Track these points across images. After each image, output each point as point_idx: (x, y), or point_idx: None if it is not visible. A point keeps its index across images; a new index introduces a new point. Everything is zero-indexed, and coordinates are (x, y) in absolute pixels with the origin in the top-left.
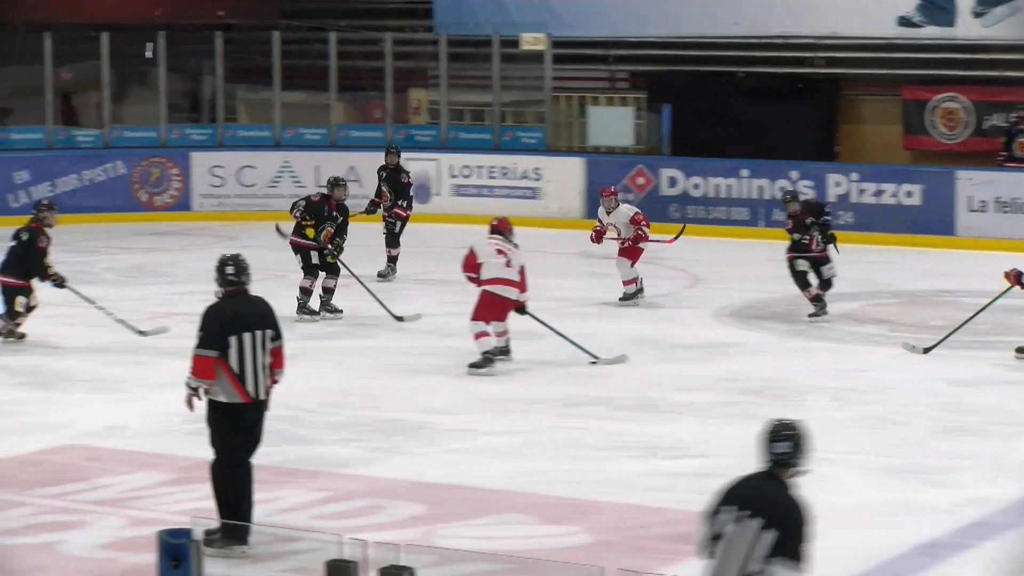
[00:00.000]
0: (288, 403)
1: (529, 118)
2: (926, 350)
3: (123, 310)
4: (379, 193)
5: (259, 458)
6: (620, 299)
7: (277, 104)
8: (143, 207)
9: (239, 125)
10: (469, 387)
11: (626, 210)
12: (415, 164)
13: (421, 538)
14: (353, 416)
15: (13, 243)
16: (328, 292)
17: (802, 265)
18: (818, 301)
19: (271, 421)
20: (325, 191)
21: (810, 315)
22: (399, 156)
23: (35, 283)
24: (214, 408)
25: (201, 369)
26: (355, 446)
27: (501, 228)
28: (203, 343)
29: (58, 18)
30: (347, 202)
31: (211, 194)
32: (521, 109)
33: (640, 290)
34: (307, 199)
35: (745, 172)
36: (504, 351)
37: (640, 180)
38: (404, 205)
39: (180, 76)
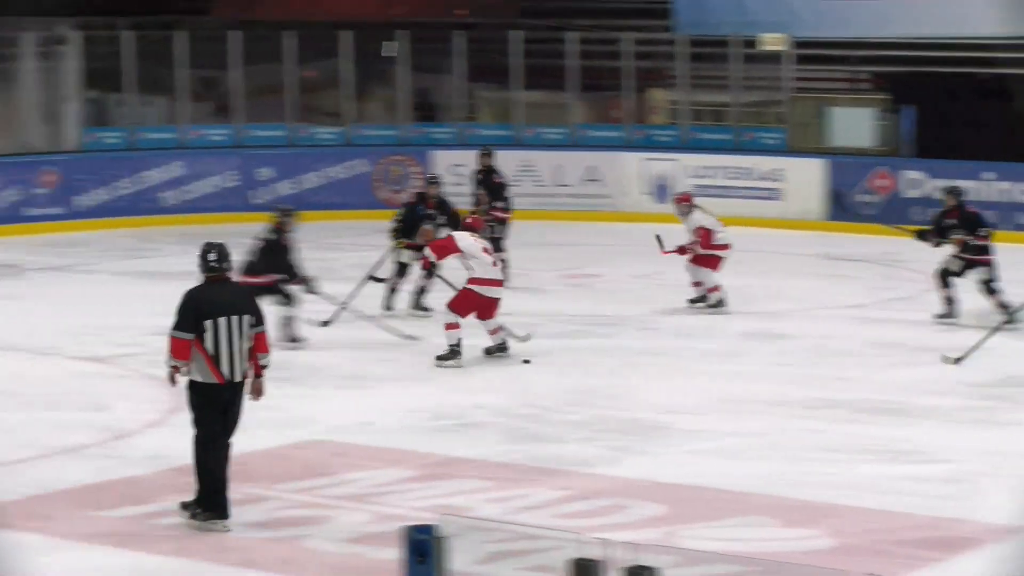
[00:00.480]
0: (531, 402)
1: (769, 119)
2: (957, 360)
3: (368, 307)
4: (476, 197)
5: (500, 456)
6: (690, 301)
7: (517, 103)
8: (384, 204)
9: (479, 124)
10: (709, 388)
11: (698, 219)
12: (654, 164)
13: (662, 538)
14: (594, 415)
15: (260, 244)
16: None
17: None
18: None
19: (513, 419)
20: (421, 190)
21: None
22: (492, 157)
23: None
24: (191, 387)
25: (176, 350)
26: (596, 445)
27: (476, 227)
28: (177, 325)
29: (299, 17)
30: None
31: (452, 192)
32: (761, 110)
33: (721, 300)
34: (403, 205)
35: (990, 175)
36: (502, 348)
37: (881, 182)
38: (502, 207)
39: (421, 74)
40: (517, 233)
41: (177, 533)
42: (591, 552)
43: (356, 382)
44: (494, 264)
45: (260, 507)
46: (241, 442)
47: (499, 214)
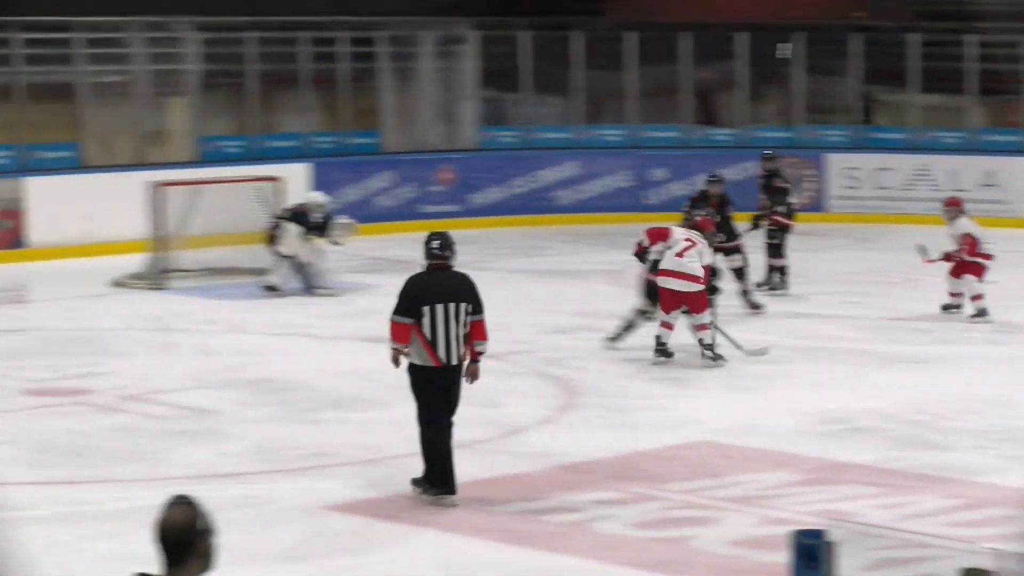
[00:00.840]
0: (921, 408)
1: None
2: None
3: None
4: (760, 202)
5: (887, 462)
6: (970, 316)
7: (913, 106)
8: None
9: (875, 127)
10: None
11: (964, 225)
12: None
13: None
14: (985, 423)
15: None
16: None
17: None
18: None
19: (902, 426)
20: (704, 188)
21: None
22: (776, 161)
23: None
24: (411, 370)
25: (396, 334)
26: (986, 454)
27: (703, 227)
28: (397, 310)
29: (695, 18)
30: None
31: (846, 196)
32: None
33: (984, 309)
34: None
35: None
36: (708, 347)
37: None
38: (782, 212)
39: (815, 76)
40: (920, 237)
41: (565, 530)
42: (984, 563)
43: (746, 384)
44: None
45: (647, 507)
46: (628, 442)
47: (779, 219)
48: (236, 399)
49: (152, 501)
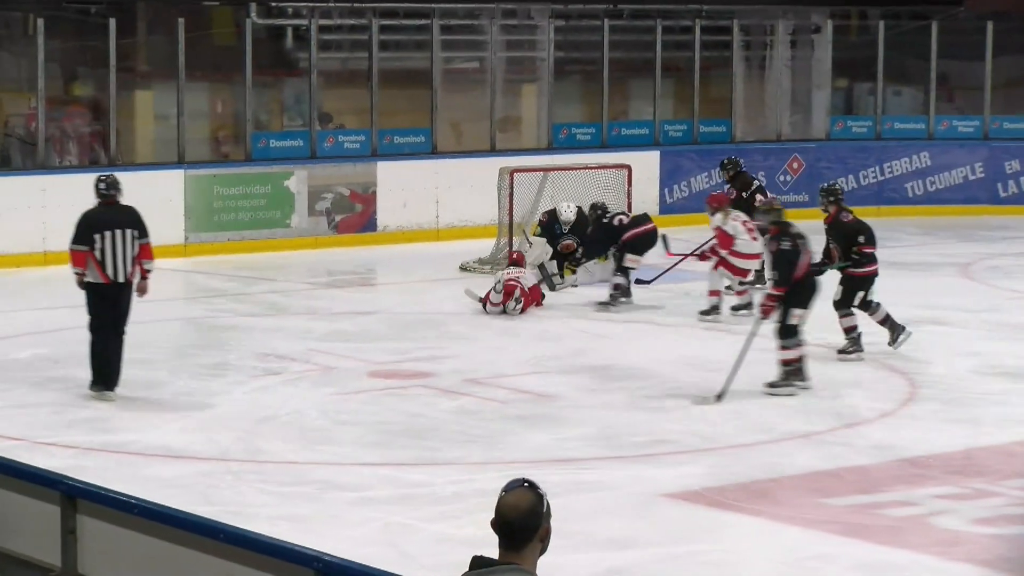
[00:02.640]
0: None
1: None
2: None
3: None
4: None
5: None
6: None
7: None
8: None
9: None
10: None
11: (717, 220)
12: None
13: None
14: None
15: None
16: None
17: None
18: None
19: None
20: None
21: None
22: None
23: None
24: (87, 287)
25: (75, 260)
26: None
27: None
28: (74, 240)
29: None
30: None
31: None
32: None
33: (715, 307)
34: None
35: None
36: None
37: None
38: None
39: None
40: None
41: (903, 524)
42: None
43: None
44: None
45: (987, 503)
46: (970, 436)
47: None
48: (577, 384)
49: (489, 485)
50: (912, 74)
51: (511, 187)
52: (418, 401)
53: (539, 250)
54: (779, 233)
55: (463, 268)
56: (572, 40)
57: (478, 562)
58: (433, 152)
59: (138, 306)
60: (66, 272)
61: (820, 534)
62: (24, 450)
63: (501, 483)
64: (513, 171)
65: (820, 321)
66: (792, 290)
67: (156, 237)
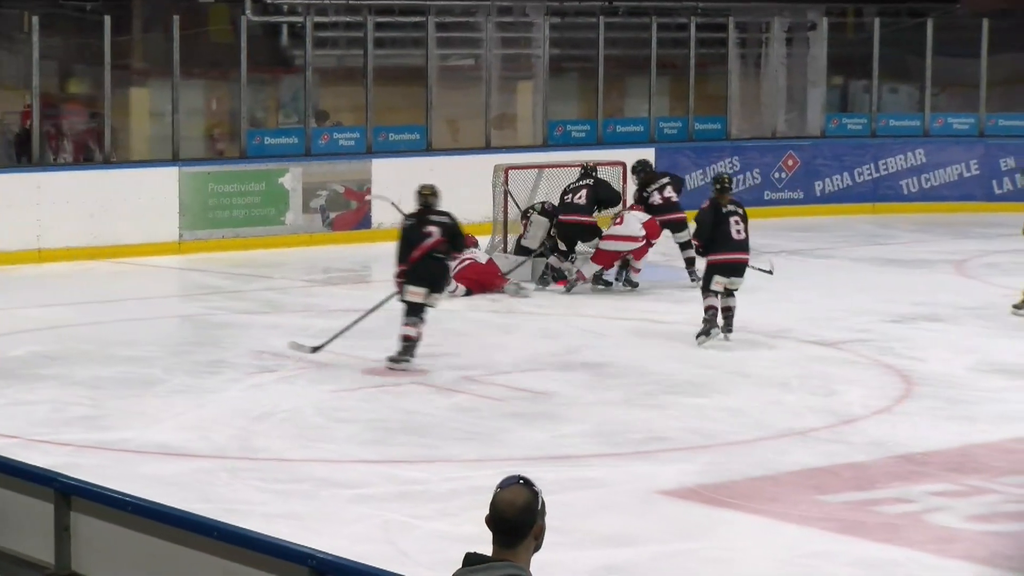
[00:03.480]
0: None
1: None
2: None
3: None
4: None
5: None
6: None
7: None
8: None
9: None
10: None
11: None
12: None
13: None
14: None
15: None
16: None
17: None
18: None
19: None
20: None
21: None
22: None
23: None
24: None
25: None
26: None
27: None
28: None
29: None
30: None
31: None
32: None
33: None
34: None
35: None
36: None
37: None
38: None
39: None
40: None
41: (899, 521)
42: None
43: None
44: None
45: (983, 500)
46: (966, 434)
47: None
48: (574, 382)
49: (487, 482)
50: (908, 71)
51: (506, 184)
52: (415, 398)
53: (539, 231)
54: (412, 215)
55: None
56: (568, 37)
57: (471, 559)
58: (428, 149)
59: (134, 304)
60: (61, 269)
61: (817, 531)
62: (19, 447)
63: (498, 480)
64: (508, 168)
65: (814, 318)
66: (412, 269)
67: (151, 235)
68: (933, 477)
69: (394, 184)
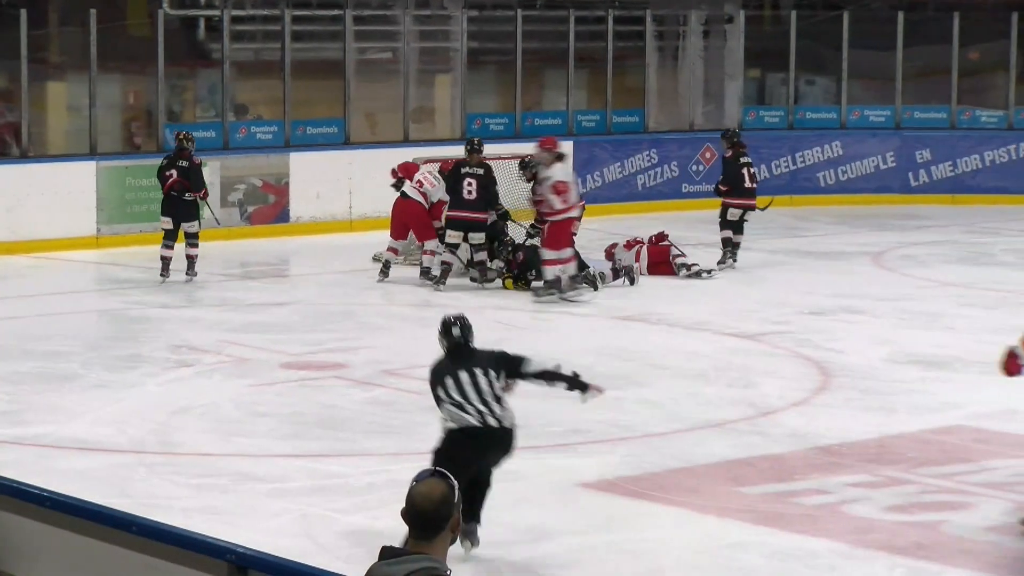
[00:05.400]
0: None
1: None
2: None
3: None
4: None
5: None
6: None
7: None
8: None
9: None
10: None
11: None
12: None
13: None
14: None
15: None
16: None
17: None
18: None
19: None
20: None
21: None
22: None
23: None
24: None
25: None
26: None
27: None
28: None
29: None
30: None
31: None
32: None
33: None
34: None
35: None
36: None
37: None
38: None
39: None
40: None
41: (818, 512)
42: None
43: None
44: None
45: (900, 490)
46: (884, 425)
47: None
48: None
49: (405, 476)
50: (824, 64)
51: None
52: (333, 392)
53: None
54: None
55: (376, 259)
56: (486, 31)
57: (388, 552)
58: (346, 143)
59: (51, 298)
60: None
61: (736, 522)
62: None
63: (416, 474)
64: (426, 161)
65: (732, 311)
66: None
67: (68, 229)
68: (851, 468)
69: (313, 177)
